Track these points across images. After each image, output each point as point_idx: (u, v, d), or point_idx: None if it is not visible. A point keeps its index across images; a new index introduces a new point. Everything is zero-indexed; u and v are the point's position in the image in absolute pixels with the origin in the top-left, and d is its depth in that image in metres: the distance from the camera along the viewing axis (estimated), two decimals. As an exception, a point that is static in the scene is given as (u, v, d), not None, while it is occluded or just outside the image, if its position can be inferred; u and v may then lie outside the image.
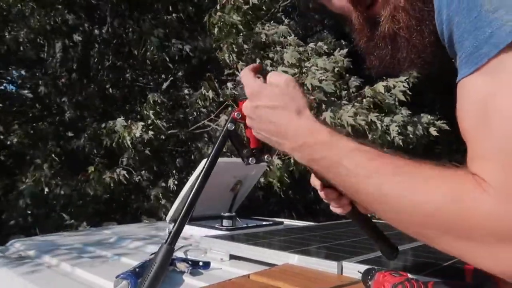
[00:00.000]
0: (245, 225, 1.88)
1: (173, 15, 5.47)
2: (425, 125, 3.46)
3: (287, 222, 2.25)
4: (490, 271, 0.47)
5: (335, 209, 0.81)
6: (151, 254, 1.15)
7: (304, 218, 3.19)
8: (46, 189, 4.31)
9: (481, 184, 0.47)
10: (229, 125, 0.74)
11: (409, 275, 0.81)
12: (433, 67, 0.63)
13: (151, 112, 4.06)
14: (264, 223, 1.98)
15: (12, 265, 1.33)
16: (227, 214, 1.89)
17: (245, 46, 3.58)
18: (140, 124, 3.84)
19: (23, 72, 5.95)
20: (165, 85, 4.99)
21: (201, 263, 1.21)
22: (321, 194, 0.80)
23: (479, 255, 0.47)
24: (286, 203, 6.43)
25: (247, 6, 3.53)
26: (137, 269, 0.99)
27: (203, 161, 1.89)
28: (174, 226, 0.72)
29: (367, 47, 0.65)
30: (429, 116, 3.51)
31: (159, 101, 4.15)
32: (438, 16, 0.52)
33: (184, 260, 1.21)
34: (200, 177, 0.74)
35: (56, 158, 4.75)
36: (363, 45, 0.66)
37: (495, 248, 0.46)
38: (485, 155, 0.48)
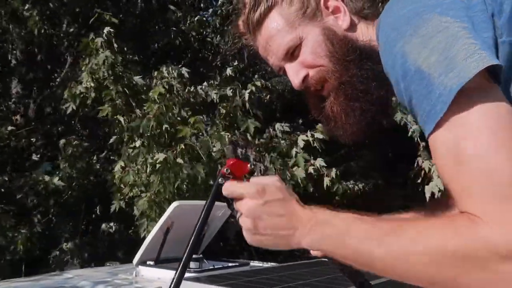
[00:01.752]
0: (212, 267, 1.92)
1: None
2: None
3: (252, 263, 2.30)
4: None
5: (315, 252, 0.83)
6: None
7: (263, 258, 3.21)
8: None
9: (471, 218, 0.54)
10: (219, 179, 0.78)
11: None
12: (372, 134, 0.79)
13: (61, 162, 4.07)
14: (230, 264, 2.03)
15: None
16: (194, 256, 1.92)
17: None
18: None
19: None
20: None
21: (172, 306, 1.24)
22: None
23: (493, 281, 0.52)
24: (246, 243, 6.45)
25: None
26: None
27: (174, 204, 1.94)
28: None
29: (319, 119, 0.81)
30: None
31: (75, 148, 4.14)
32: (396, 85, 0.64)
33: (156, 302, 1.24)
34: (193, 237, 0.78)
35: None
36: (316, 117, 0.82)
37: (503, 269, 0.51)
38: (467, 193, 0.55)
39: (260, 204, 0.68)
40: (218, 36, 6.13)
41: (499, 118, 0.55)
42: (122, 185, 3.37)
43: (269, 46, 0.81)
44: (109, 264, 2.24)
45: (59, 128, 5.56)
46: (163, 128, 3.39)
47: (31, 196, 4.06)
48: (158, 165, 3.09)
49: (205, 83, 3.91)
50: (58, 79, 6.18)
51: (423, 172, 3.13)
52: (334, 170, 3.57)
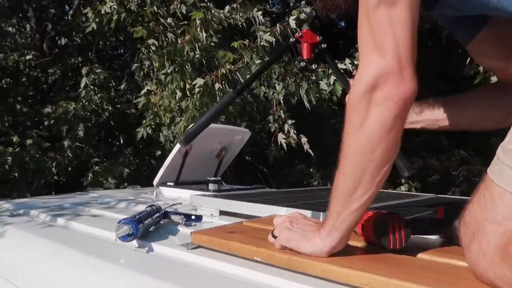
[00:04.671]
0: (231, 188, 1.96)
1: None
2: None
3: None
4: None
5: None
6: (147, 207, 1.21)
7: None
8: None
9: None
10: (291, 39, 1.13)
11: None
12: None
13: (83, 92, 4.08)
14: (248, 187, 2.07)
15: (9, 221, 1.37)
16: (213, 178, 1.96)
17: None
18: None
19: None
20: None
21: (193, 217, 1.28)
22: None
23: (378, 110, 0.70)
24: (261, 182, 6.61)
25: None
26: (137, 216, 1.05)
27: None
28: (245, 81, 1.04)
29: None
30: None
31: (97, 76, 4.11)
32: None
33: (178, 213, 1.28)
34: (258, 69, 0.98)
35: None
36: None
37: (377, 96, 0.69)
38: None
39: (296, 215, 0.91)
40: None
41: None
42: (155, 109, 3.40)
43: None
44: (131, 187, 2.31)
45: (76, 61, 5.55)
46: (198, 54, 3.31)
47: (61, 124, 4.17)
48: (197, 89, 3.07)
49: (227, 7, 3.68)
50: (70, 12, 6.07)
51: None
52: None
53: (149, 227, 1.12)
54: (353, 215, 0.76)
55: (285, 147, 3.33)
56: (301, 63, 1.14)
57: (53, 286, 1.00)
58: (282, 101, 3.43)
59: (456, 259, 0.77)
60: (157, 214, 1.19)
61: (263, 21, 3.55)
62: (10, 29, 5.65)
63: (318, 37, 1.18)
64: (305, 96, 3.39)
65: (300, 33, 1.12)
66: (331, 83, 3.36)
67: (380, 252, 0.82)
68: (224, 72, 3.14)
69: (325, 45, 1.18)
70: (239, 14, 3.55)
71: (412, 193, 2.20)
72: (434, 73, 6.03)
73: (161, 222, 1.23)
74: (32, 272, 1.09)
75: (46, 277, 1.04)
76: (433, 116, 1.05)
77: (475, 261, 0.66)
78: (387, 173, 0.73)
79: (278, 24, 3.43)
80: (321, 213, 1.16)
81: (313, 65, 1.15)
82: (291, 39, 1.15)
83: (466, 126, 1.05)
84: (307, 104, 3.42)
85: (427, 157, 6.07)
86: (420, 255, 0.81)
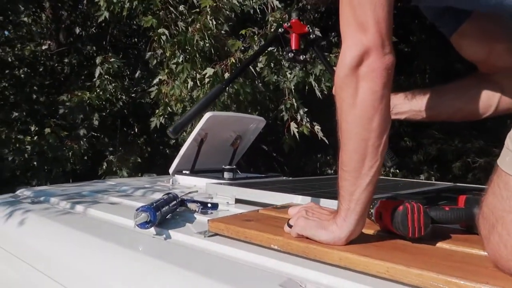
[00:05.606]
0: (246, 177, 1.96)
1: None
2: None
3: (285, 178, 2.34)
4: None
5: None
6: (164, 195, 1.22)
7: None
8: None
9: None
10: (280, 29, 1.14)
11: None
12: None
13: (98, 81, 4.08)
14: (263, 175, 2.07)
15: (30, 208, 1.39)
16: (228, 167, 1.96)
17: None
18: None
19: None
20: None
21: (209, 205, 1.29)
22: None
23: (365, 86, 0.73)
24: (276, 172, 6.60)
25: None
26: (155, 204, 1.06)
27: (207, 114, 1.93)
28: (233, 72, 1.05)
29: None
30: None
31: (111, 65, 4.11)
32: None
33: (194, 201, 1.29)
34: (247, 60, 0.95)
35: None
36: None
37: (360, 71, 0.73)
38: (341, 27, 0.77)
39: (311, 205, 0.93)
40: None
41: None
42: (167, 100, 3.40)
43: None
44: (147, 175, 2.34)
45: (91, 50, 5.58)
46: (208, 43, 3.28)
47: (77, 112, 4.24)
48: (207, 79, 3.06)
49: None
50: (85, 1, 6.09)
51: None
52: None
53: (166, 214, 1.13)
54: (366, 193, 0.77)
55: (298, 137, 3.30)
56: (289, 54, 1.13)
57: (73, 272, 1.02)
58: (293, 89, 3.39)
59: (476, 248, 0.76)
60: (174, 202, 1.19)
61: (279, 6, 3.48)
62: (25, 19, 5.70)
63: (306, 27, 1.18)
64: (316, 85, 3.35)
65: (289, 23, 1.12)
66: None
67: (399, 241, 0.81)
68: (233, 61, 3.11)
69: (314, 35, 1.17)
70: (252, 0, 3.49)
71: (430, 181, 2.17)
72: (448, 55, 5.94)
73: (178, 209, 1.24)
74: (52, 257, 1.11)
75: (67, 262, 1.06)
76: (416, 107, 1.07)
77: (496, 252, 0.65)
78: (387, 143, 0.76)
79: (288, 9, 3.37)
80: (338, 201, 1.16)
81: (301, 56, 1.14)
82: (279, 29, 1.15)
83: (448, 116, 1.06)
84: (318, 94, 3.38)
85: (445, 143, 5.97)
86: (440, 244, 0.80)
